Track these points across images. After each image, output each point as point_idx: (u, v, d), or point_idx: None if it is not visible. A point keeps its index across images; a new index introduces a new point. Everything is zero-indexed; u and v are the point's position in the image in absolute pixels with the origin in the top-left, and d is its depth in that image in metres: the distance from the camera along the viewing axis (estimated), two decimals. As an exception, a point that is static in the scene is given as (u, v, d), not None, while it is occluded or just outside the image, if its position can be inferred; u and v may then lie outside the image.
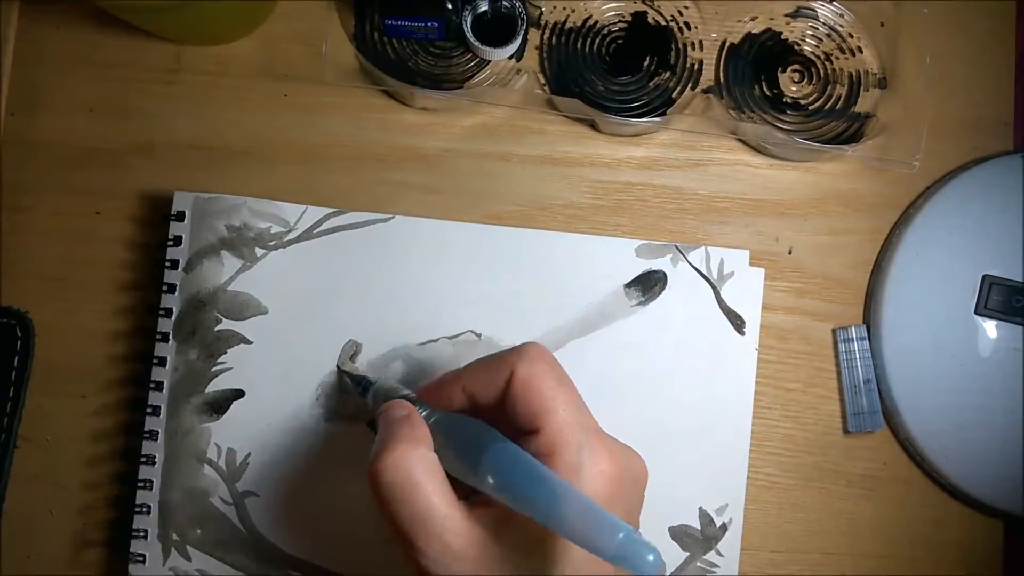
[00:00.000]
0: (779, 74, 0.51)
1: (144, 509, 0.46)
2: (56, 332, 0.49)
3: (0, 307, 0.49)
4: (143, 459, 0.47)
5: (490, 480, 0.32)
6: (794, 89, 0.51)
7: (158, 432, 0.47)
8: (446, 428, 0.35)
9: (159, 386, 0.47)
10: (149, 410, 0.47)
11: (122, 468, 0.48)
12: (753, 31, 0.51)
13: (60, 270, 0.50)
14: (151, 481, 0.46)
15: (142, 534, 0.46)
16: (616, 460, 0.35)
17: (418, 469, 0.33)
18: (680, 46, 0.51)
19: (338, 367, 0.47)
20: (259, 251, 0.48)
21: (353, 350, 0.48)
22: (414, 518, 0.32)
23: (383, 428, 0.36)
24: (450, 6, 0.48)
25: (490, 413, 0.36)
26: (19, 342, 0.48)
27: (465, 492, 0.34)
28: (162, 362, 0.47)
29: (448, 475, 0.34)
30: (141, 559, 0.46)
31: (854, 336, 0.50)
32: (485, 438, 0.34)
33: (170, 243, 0.48)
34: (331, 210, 0.48)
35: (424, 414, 0.37)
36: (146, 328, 0.48)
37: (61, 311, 0.49)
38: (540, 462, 0.33)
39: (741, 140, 0.51)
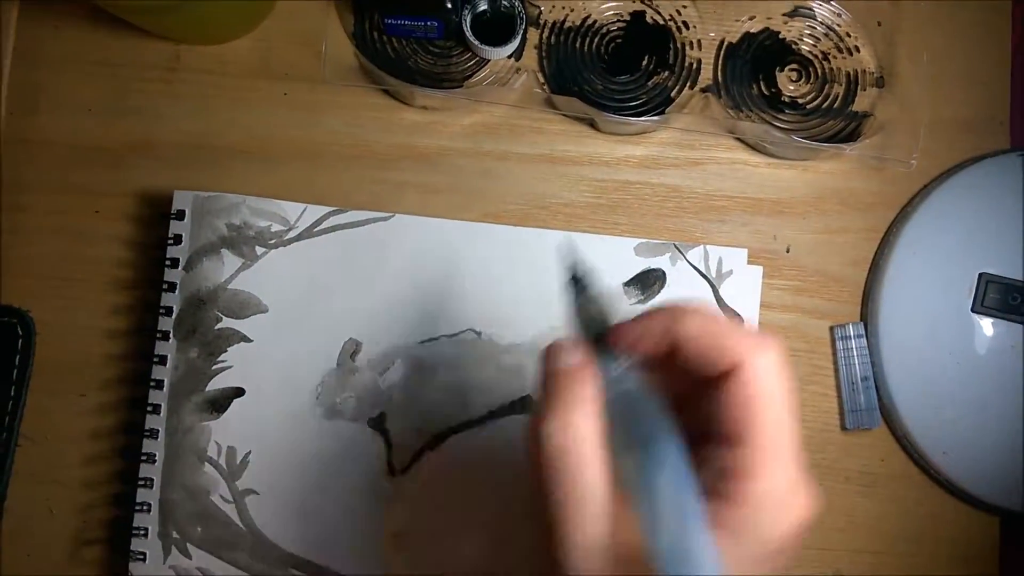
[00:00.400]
0: (777, 73, 0.51)
1: (145, 507, 0.46)
2: (56, 331, 0.49)
3: (1, 306, 0.49)
4: (143, 457, 0.47)
5: (637, 483, 0.27)
6: (792, 88, 0.51)
7: (158, 430, 0.47)
8: (625, 405, 0.30)
9: (159, 384, 0.47)
10: (149, 408, 0.47)
11: (122, 466, 0.49)
12: (751, 30, 0.51)
13: (60, 269, 0.50)
14: (151, 479, 0.47)
15: (142, 532, 0.46)
16: (811, 509, 0.29)
17: (590, 441, 0.28)
18: (678, 45, 0.51)
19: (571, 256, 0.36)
20: (259, 249, 0.48)
21: (353, 348, 0.48)
22: (571, 497, 0.28)
23: (552, 377, 0.30)
24: (449, 5, 0.48)
25: (685, 384, 0.30)
26: (20, 341, 0.48)
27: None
28: (162, 360, 0.47)
29: None
30: (142, 557, 0.46)
31: (851, 334, 0.50)
32: (659, 438, 0.28)
33: (170, 241, 0.48)
34: (331, 209, 0.48)
35: (615, 374, 0.30)
36: (146, 327, 0.48)
37: (61, 310, 0.49)
38: (726, 480, 0.28)
39: (739, 139, 0.51)
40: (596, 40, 0.51)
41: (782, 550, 0.28)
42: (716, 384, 0.29)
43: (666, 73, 0.51)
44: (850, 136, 0.50)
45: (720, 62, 0.51)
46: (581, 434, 0.28)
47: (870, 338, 0.50)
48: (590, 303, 0.34)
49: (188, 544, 0.46)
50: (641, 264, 0.49)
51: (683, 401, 0.30)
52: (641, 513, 0.27)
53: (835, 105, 0.51)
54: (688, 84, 0.51)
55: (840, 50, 0.51)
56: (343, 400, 0.47)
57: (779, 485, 0.28)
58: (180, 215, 0.48)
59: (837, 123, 0.51)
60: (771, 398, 0.28)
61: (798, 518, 0.28)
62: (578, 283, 0.35)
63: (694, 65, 0.51)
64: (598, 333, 0.32)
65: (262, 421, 0.47)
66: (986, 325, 0.49)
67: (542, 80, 0.50)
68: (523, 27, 0.49)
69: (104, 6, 0.46)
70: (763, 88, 0.51)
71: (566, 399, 0.29)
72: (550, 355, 0.31)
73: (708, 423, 0.29)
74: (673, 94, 0.50)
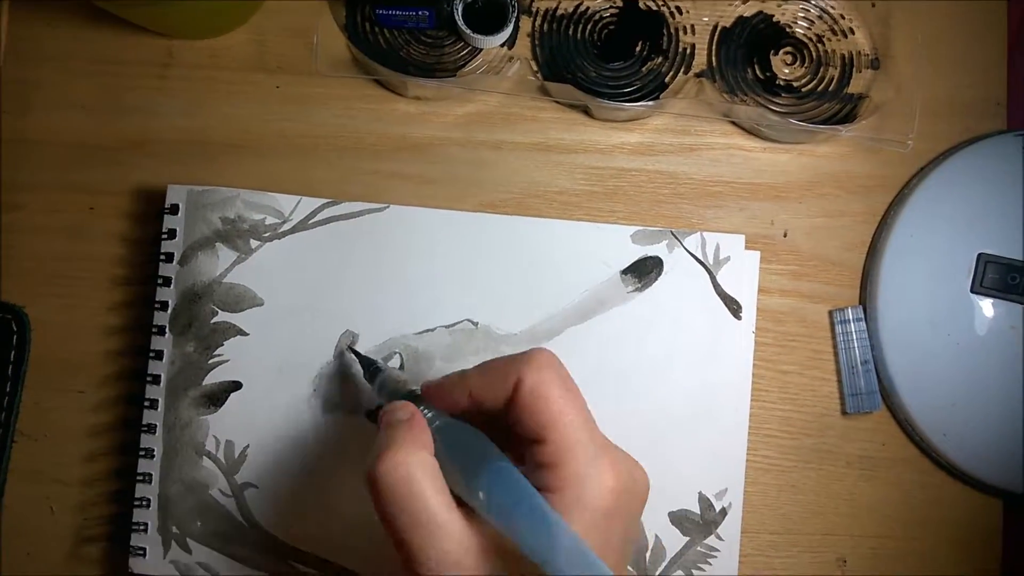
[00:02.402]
0: (771, 57, 0.51)
1: (144, 503, 0.46)
2: (53, 328, 0.49)
3: (-4, 303, 0.49)
4: (142, 453, 0.47)
5: (482, 498, 0.32)
6: (787, 71, 0.51)
7: (156, 425, 0.47)
8: (447, 436, 0.35)
9: (156, 379, 0.47)
10: (147, 404, 0.47)
11: (121, 463, 0.48)
12: (745, 14, 0.51)
13: (56, 266, 0.50)
14: (150, 475, 0.46)
15: (142, 528, 0.46)
16: (620, 473, 0.34)
17: (418, 473, 0.32)
18: (672, 30, 0.51)
19: (349, 347, 0.47)
20: (254, 243, 0.48)
21: (350, 340, 0.48)
22: (413, 523, 0.32)
23: (385, 430, 0.35)
24: (441, -6, 0.48)
25: (494, 417, 0.36)
26: (15, 337, 0.48)
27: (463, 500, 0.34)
28: (159, 356, 0.47)
29: None
30: (141, 553, 0.46)
31: (851, 317, 0.50)
32: (485, 454, 0.33)
33: (164, 236, 0.47)
34: (325, 201, 0.48)
35: (428, 415, 0.36)
36: (142, 322, 0.48)
37: (57, 307, 0.49)
38: (544, 473, 0.33)
39: (735, 123, 0.51)
40: (589, 27, 0.50)
41: (610, 514, 0.33)
42: (511, 403, 0.35)
43: (660, 59, 0.50)
44: (846, 119, 0.50)
45: (714, 46, 0.51)
46: (410, 467, 0.32)
47: (869, 322, 0.50)
48: (387, 378, 0.41)
49: (188, 539, 0.46)
50: (638, 252, 0.49)
51: (495, 422, 0.36)
52: (492, 515, 0.32)
53: (830, 88, 0.50)
54: (682, 69, 0.50)
55: (834, 32, 0.51)
56: (341, 392, 0.47)
57: (582, 463, 0.33)
58: (174, 209, 0.48)
59: (832, 106, 0.50)
60: (549, 396, 0.34)
61: (609, 483, 0.33)
62: (369, 367, 0.43)
63: (688, 50, 0.50)
64: (405, 395, 0.39)
65: (260, 414, 0.47)
66: (986, 306, 0.48)
67: (535, 68, 0.50)
68: (515, 15, 0.49)
69: (97, 2, 0.46)
70: (758, 72, 0.50)
71: (396, 442, 0.33)
72: (383, 415, 0.36)
73: (518, 434, 0.35)
74: (667, 79, 0.50)
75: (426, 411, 0.36)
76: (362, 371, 0.44)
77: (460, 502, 0.33)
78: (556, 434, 0.33)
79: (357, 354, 0.46)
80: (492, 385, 0.35)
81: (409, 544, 0.32)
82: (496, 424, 0.36)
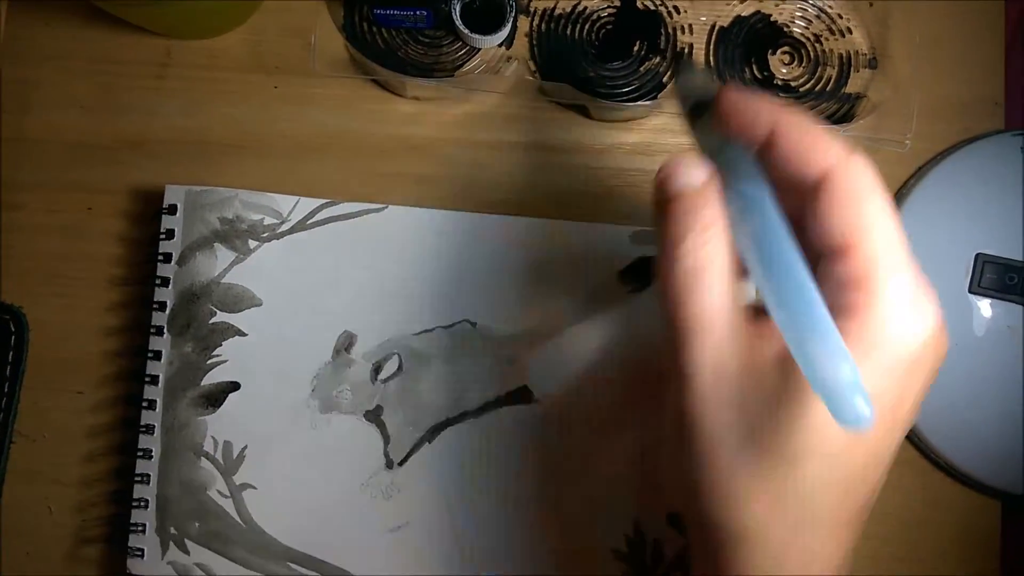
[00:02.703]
0: (769, 56, 0.50)
1: (142, 503, 0.46)
2: (51, 328, 0.49)
3: (-7, 303, 0.49)
4: (140, 453, 0.47)
5: (770, 302, 0.26)
6: (784, 71, 0.51)
7: (154, 426, 0.47)
8: (754, 217, 0.28)
9: (154, 380, 0.47)
10: (145, 404, 0.47)
11: (119, 463, 0.48)
12: (742, 14, 0.51)
13: (53, 267, 0.50)
14: (148, 475, 0.46)
15: (140, 529, 0.46)
16: (940, 317, 0.28)
17: (718, 264, 0.27)
18: (670, 30, 0.51)
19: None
20: (252, 243, 0.48)
21: (348, 341, 0.48)
22: (698, 318, 0.27)
23: (672, 203, 0.29)
24: (439, -5, 0.48)
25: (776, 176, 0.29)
26: (13, 337, 0.48)
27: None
28: (157, 356, 0.47)
29: None
30: (139, 554, 0.46)
31: (849, 318, 0.50)
32: (780, 246, 0.27)
33: (162, 236, 0.47)
34: (324, 201, 0.48)
35: (737, 161, 0.29)
36: (140, 323, 0.48)
37: (55, 308, 0.49)
38: (846, 291, 0.27)
39: (733, 124, 0.51)
40: (587, 27, 0.50)
41: (918, 365, 0.27)
42: (813, 196, 0.27)
43: (658, 58, 0.50)
44: (844, 118, 0.50)
45: (712, 46, 0.51)
46: (713, 252, 0.27)
47: (868, 321, 0.50)
48: (692, 73, 0.33)
49: (186, 540, 0.46)
50: (637, 252, 0.49)
51: (793, 224, 0.28)
52: (782, 325, 0.26)
53: (828, 87, 0.50)
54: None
55: (832, 32, 0.51)
56: (339, 393, 0.47)
57: (899, 291, 0.26)
58: (172, 210, 0.48)
59: (830, 105, 0.50)
60: (868, 202, 0.27)
61: (926, 327, 0.27)
62: (679, 59, 0.37)
63: (686, 50, 0.50)
64: (700, 101, 0.31)
65: (258, 415, 0.47)
66: (984, 306, 0.48)
67: (533, 68, 0.50)
68: (513, 15, 0.49)
69: (95, 2, 0.46)
70: (755, 71, 0.50)
71: (698, 219, 0.28)
72: (668, 175, 0.29)
73: (818, 240, 0.28)
74: (665, 79, 0.50)
75: (734, 156, 0.29)
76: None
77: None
78: (870, 241, 0.26)
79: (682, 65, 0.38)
80: (805, 141, 0.28)
81: (684, 341, 0.28)
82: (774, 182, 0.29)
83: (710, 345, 0.27)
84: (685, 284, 0.28)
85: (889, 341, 0.26)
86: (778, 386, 0.27)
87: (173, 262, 0.47)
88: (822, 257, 0.28)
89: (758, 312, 0.29)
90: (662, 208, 0.29)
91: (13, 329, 0.49)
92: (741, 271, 0.29)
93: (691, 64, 0.34)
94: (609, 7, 0.51)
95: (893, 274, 0.26)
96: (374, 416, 0.47)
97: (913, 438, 0.50)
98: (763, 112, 0.29)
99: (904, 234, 0.28)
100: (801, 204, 0.28)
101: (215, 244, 0.47)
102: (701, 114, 0.31)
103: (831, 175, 0.27)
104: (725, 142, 0.30)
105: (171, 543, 0.46)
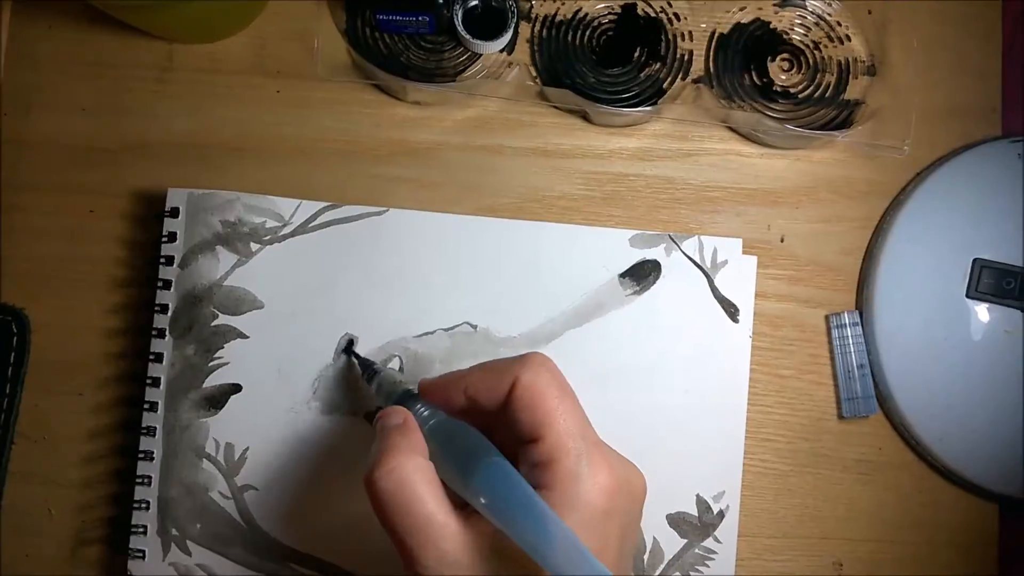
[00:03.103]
0: (768, 63, 0.51)
1: (143, 505, 0.46)
2: (52, 330, 0.49)
3: (-4, 305, 0.49)
4: (141, 455, 0.47)
5: (477, 494, 0.32)
6: (783, 78, 0.51)
7: (156, 428, 0.47)
8: (443, 435, 0.36)
9: (156, 382, 0.47)
10: (146, 406, 0.47)
11: (120, 465, 0.49)
12: (742, 21, 0.51)
13: (55, 269, 0.50)
14: (149, 477, 0.47)
15: (141, 530, 0.46)
16: (615, 473, 0.34)
17: (414, 478, 0.33)
18: (670, 37, 0.51)
19: (347, 349, 0.47)
20: (254, 246, 0.48)
21: (348, 342, 0.48)
22: (411, 526, 0.33)
23: (380, 436, 0.36)
24: (441, 0, 0.48)
25: (490, 418, 0.36)
26: (15, 339, 0.49)
27: (462, 500, 0.34)
28: (159, 358, 0.47)
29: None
30: (141, 555, 0.46)
31: (847, 322, 0.50)
32: (480, 452, 0.34)
33: (165, 239, 0.48)
34: (325, 204, 0.48)
35: (425, 413, 0.37)
36: (142, 325, 0.48)
37: (57, 309, 0.50)
38: (539, 471, 0.34)
39: (732, 129, 0.52)
40: (588, 33, 0.51)
41: (606, 514, 0.33)
42: (507, 403, 0.35)
43: (658, 65, 0.51)
44: (842, 124, 0.50)
45: (711, 53, 0.51)
46: (406, 472, 0.33)
47: (865, 326, 0.50)
48: (385, 378, 0.42)
49: (187, 541, 0.46)
50: (636, 255, 0.49)
51: (491, 422, 0.36)
52: (488, 511, 0.32)
53: (827, 94, 0.51)
54: (680, 75, 0.51)
55: (831, 39, 0.51)
56: (340, 395, 0.47)
57: (575, 462, 0.33)
58: (174, 213, 0.48)
59: (829, 111, 0.51)
60: (545, 396, 0.35)
61: (603, 481, 0.34)
62: (367, 369, 0.44)
63: (686, 56, 0.51)
64: (402, 394, 0.39)
65: (260, 417, 0.47)
66: (981, 311, 0.49)
67: (534, 73, 0.51)
68: (515, 21, 0.50)
69: (97, 5, 0.46)
70: (755, 78, 0.51)
71: (391, 448, 0.34)
72: (378, 419, 0.37)
73: (514, 434, 0.35)
74: (665, 85, 0.51)
75: (423, 409, 0.37)
76: (361, 373, 0.44)
77: (458, 502, 0.34)
78: (551, 432, 0.34)
79: (356, 356, 0.46)
80: (489, 384, 0.36)
81: (409, 546, 0.33)
82: (491, 424, 0.36)
83: (434, 546, 0.33)
84: (399, 496, 0.33)
85: (579, 503, 0.33)
86: (503, 561, 0.33)
87: (175, 265, 0.48)
88: (521, 444, 0.35)
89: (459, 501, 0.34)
90: (377, 440, 0.36)
91: (15, 330, 0.49)
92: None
93: (385, 370, 0.44)
94: (610, 13, 0.51)
95: (570, 453, 0.34)
96: (375, 417, 0.47)
97: (911, 441, 0.50)
98: (451, 386, 0.37)
99: (578, 414, 0.35)
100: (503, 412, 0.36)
101: (217, 247, 0.48)
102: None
103: (514, 386, 0.35)
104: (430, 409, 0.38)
105: (172, 544, 0.46)
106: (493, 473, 0.33)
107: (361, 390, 0.47)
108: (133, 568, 0.46)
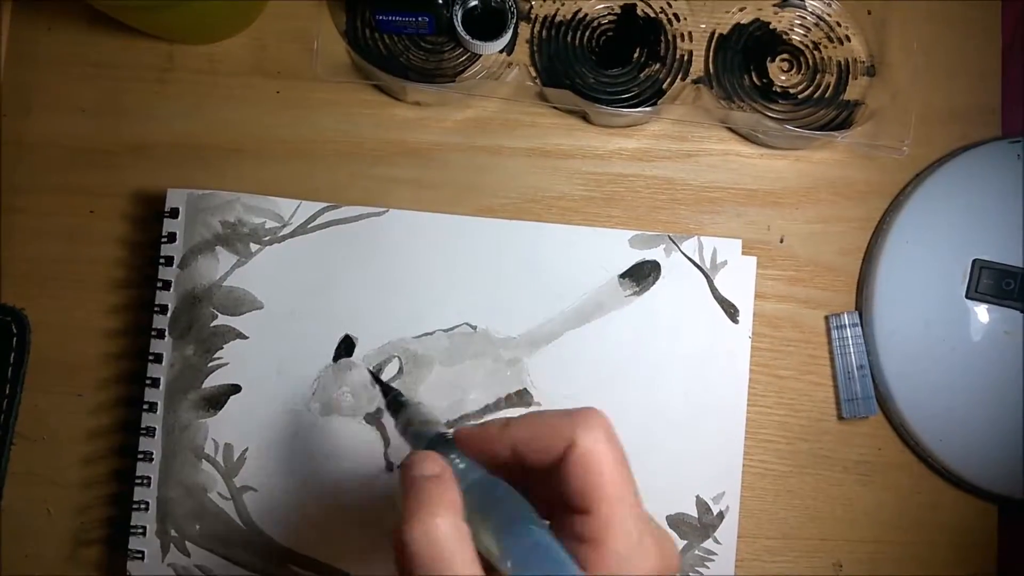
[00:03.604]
0: (768, 64, 0.51)
1: (142, 506, 0.46)
2: (52, 331, 0.49)
3: (-5, 305, 0.49)
4: (140, 456, 0.47)
5: (510, 568, 0.30)
6: (783, 78, 0.51)
7: (155, 428, 0.47)
8: (482, 495, 0.32)
9: (155, 382, 0.47)
10: (146, 407, 0.47)
11: (119, 465, 0.49)
12: (742, 21, 0.51)
13: (55, 269, 0.50)
14: (149, 477, 0.47)
15: (140, 531, 0.46)
16: (664, 557, 0.32)
17: (451, 541, 0.30)
18: (670, 38, 0.51)
19: (372, 375, 0.46)
20: (254, 246, 0.48)
21: (374, 367, 0.47)
22: None
23: (412, 486, 0.32)
24: (440, 1, 0.48)
25: (534, 474, 0.33)
26: (15, 339, 0.49)
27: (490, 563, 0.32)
28: (158, 358, 0.47)
29: None
30: (140, 556, 0.46)
31: (846, 323, 0.50)
32: (521, 518, 0.31)
33: (164, 240, 0.48)
34: (325, 205, 0.48)
35: (462, 466, 0.33)
36: (141, 325, 0.48)
37: (57, 310, 0.50)
38: (586, 548, 0.31)
39: (732, 130, 0.52)
40: (587, 33, 0.51)
41: None
42: (558, 464, 0.32)
43: (657, 65, 0.51)
44: (842, 125, 0.50)
45: (711, 53, 0.51)
46: (441, 533, 0.30)
47: (865, 327, 0.50)
48: (414, 415, 0.36)
49: (187, 542, 0.46)
50: (636, 256, 0.49)
51: (536, 479, 0.33)
52: None
53: (826, 94, 0.51)
54: (680, 76, 0.51)
55: (831, 39, 0.51)
56: (339, 396, 0.48)
57: (625, 544, 0.31)
58: (174, 213, 0.48)
59: (829, 112, 0.51)
60: (602, 467, 0.32)
61: (651, 567, 0.31)
62: (393, 400, 0.38)
63: (685, 57, 0.51)
64: (435, 438, 0.35)
65: (259, 418, 0.47)
66: (980, 311, 0.49)
67: (534, 74, 0.51)
68: (514, 21, 0.50)
69: (97, 5, 0.46)
70: (754, 78, 0.51)
71: (426, 504, 0.31)
72: (409, 466, 0.33)
73: (560, 496, 0.32)
74: (665, 86, 0.51)
75: (459, 461, 0.33)
76: (384, 404, 0.39)
77: (488, 565, 0.31)
78: (604, 508, 0.31)
79: (380, 383, 0.41)
80: (540, 442, 0.33)
81: None
82: (532, 479, 0.33)
83: None
84: (433, 559, 0.30)
85: None
86: None
87: (175, 265, 0.48)
88: (567, 510, 0.32)
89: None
90: (407, 489, 0.32)
91: (14, 330, 0.49)
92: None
93: (414, 404, 0.37)
94: (610, 14, 0.51)
95: (622, 535, 0.31)
96: (374, 419, 0.47)
97: (911, 442, 0.50)
98: (496, 439, 0.34)
99: (632, 487, 0.32)
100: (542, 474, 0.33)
101: (216, 247, 0.48)
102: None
103: (572, 448, 0.32)
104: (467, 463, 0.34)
105: (171, 545, 0.46)
106: (532, 547, 0.30)
107: (360, 391, 0.47)
108: (132, 569, 0.46)
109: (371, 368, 0.46)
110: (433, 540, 0.30)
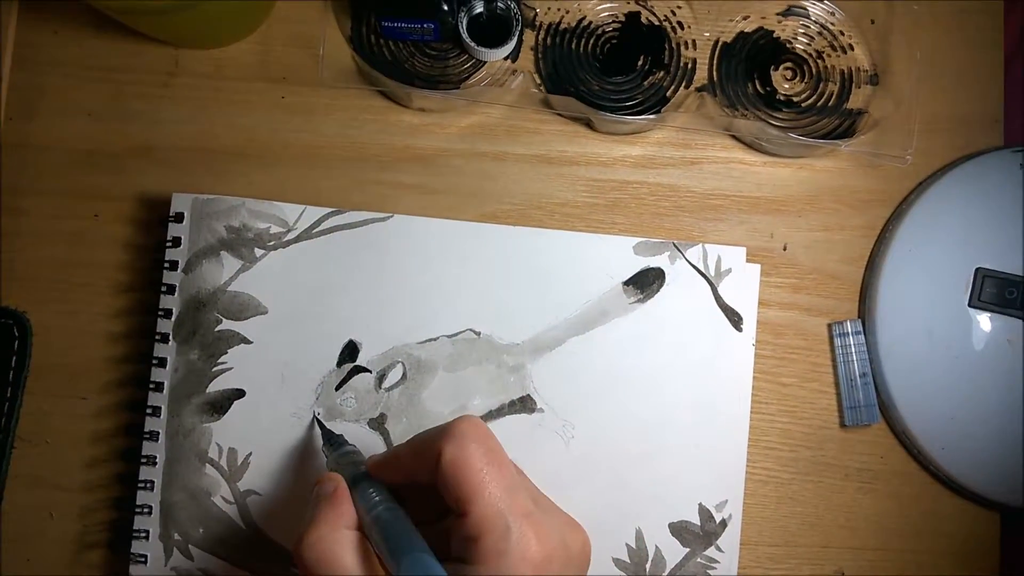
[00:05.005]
0: (772, 72, 0.51)
1: (145, 510, 0.46)
2: (56, 334, 0.49)
3: (-2, 308, 0.49)
4: (144, 460, 0.47)
5: None
6: (787, 87, 0.51)
7: (159, 433, 0.47)
8: (382, 523, 0.36)
9: (159, 387, 0.47)
10: (149, 411, 0.47)
11: (122, 470, 0.48)
12: (745, 30, 0.52)
13: (59, 273, 0.50)
14: (152, 482, 0.47)
15: (143, 535, 0.46)
16: (544, 543, 0.34)
17: (337, 548, 0.34)
18: (674, 45, 0.51)
19: (316, 418, 0.47)
20: (258, 251, 0.48)
21: (317, 413, 0.48)
22: None
23: (311, 504, 0.37)
24: (446, 8, 0.48)
25: (431, 489, 0.36)
26: (16, 342, 0.49)
27: None
28: (162, 363, 0.47)
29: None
30: (143, 560, 0.46)
31: (849, 331, 0.50)
32: (405, 543, 0.34)
33: (169, 244, 0.48)
34: (330, 210, 0.49)
35: (375, 498, 0.37)
36: (145, 330, 0.48)
37: (61, 313, 0.50)
38: (466, 546, 0.34)
39: (735, 137, 0.52)
40: (592, 41, 0.51)
41: None
42: (434, 477, 0.35)
43: (661, 73, 0.51)
44: (845, 133, 0.51)
45: (715, 61, 0.51)
46: (329, 542, 0.34)
47: (868, 335, 0.50)
48: (343, 454, 0.42)
49: (190, 545, 0.46)
50: (640, 263, 0.49)
51: (432, 492, 0.36)
52: None
53: (830, 103, 0.51)
54: (684, 83, 0.51)
55: (834, 48, 0.51)
56: (343, 401, 0.48)
57: (500, 537, 0.34)
58: (179, 218, 0.48)
59: (832, 121, 0.51)
60: (467, 471, 0.35)
61: (531, 554, 0.34)
62: (331, 441, 0.44)
63: (689, 65, 0.51)
64: (355, 476, 0.39)
65: (263, 422, 0.47)
66: (983, 320, 0.49)
67: (538, 81, 0.51)
68: (519, 29, 0.50)
69: (103, 9, 0.46)
70: (758, 87, 0.51)
71: (321, 517, 0.35)
72: (314, 487, 0.38)
73: (449, 504, 0.36)
74: (669, 93, 0.51)
75: (374, 494, 0.37)
76: (323, 443, 0.45)
77: None
78: (476, 507, 0.34)
79: (322, 426, 0.47)
80: (418, 460, 0.37)
81: None
82: (434, 495, 0.36)
83: None
84: (322, 566, 0.34)
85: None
86: None
87: (179, 270, 0.48)
88: (455, 516, 0.35)
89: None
90: (314, 503, 0.37)
91: (17, 333, 0.49)
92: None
93: (346, 448, 0.43)
94: (614, 22, 0.51)
95: (494, 529, 0.34)
96: (378, 424, 0.48)
97: (913, 450, 0.50)
98: (390, 465, 0.39)
99: (504, 483, 0.35)
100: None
101: (221, 252, 0.48)
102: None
103: (439, 459, 0.35)
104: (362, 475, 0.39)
105: (174, 549, 0.46)
106: (414, 565, 0.33)
107: (362, 396, 0.47)
108: (135, 572, 0.46)
109: (316, 415, 0.47)
110: (321, 550, 0.34)
